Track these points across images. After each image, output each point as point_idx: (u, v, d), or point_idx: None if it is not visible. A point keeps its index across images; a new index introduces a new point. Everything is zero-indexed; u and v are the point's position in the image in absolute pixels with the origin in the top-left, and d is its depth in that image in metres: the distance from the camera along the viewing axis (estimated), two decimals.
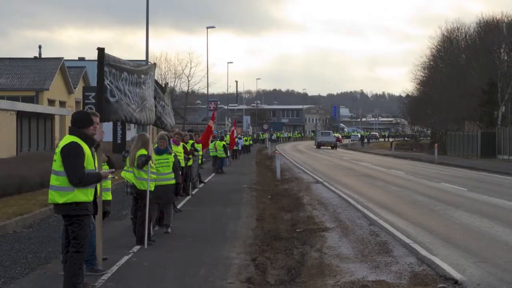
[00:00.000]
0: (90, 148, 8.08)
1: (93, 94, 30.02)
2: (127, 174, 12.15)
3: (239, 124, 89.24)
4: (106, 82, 9.55)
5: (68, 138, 8.03)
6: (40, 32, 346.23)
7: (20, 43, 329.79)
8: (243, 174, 32.18)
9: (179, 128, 40.30)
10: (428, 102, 70.64)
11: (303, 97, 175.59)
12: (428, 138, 78.53)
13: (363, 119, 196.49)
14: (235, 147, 45.48)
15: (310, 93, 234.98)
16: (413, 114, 78.27)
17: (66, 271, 7.95)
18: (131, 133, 48.79)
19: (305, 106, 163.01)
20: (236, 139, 45.73)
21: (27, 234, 13.08)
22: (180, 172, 14.33)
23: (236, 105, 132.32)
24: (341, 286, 9.06)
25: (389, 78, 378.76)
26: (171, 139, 15.15)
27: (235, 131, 45.51)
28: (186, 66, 67.02)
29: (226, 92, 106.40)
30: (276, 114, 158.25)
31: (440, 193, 21.74)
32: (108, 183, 10.63)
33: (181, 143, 16.42)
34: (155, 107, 11.79)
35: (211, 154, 33.02)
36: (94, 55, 10.24)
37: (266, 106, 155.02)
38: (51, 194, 7.94)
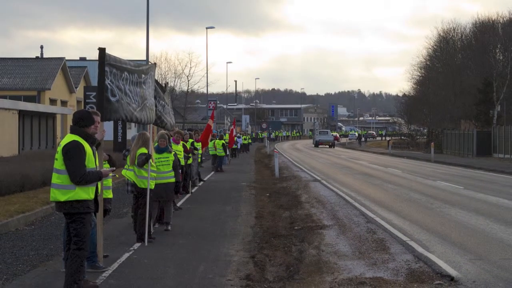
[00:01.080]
0: (91, 147, 8.15)
1: (94, 93, 30.21)
2: (128, 173, 12.27)
3: (238, 123, 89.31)
4: (107, 82, 9.65)
5: (70, 137, 8.09)
6: (42, 32, 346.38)
7: (22, 43, 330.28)
8: (242, 172, 32.27)
9: (179, 127, 40.30)
10: (424, 102, 70.74)
11: (301, 97, 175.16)
12: (425, 137, 78.48)
13: (361, 118, 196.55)
14: (234, 146, 45.58)
15: (308, 92, 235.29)
16: (410, 113, 78.29)
17: (68, 268, 8.01)
18: (132, 132, 48.96)
19: (303, 106, 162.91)
20: (235, 138, 45.84)
21: (29, 232, 13.16)
22: (180, 171, 14.43)
23: (235, 104, 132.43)
24: (339, 283, 9.13)
25: (386, 77, 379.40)
26: (171, 138, 15.25)
27: (234, 130, 45.62)
28: (186, 66, 67.18)
29: (225, 92, 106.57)
30: (275, 113, 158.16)
31: (437, 191, 21.83)
32: (109, 181, 10.74)
33: (181, 142, 16.51)
34: (155, 106, 11.89)
35: (211, 152, 33.12)
36: (95, 55, 10.41)
37: (264, 106, 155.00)
38: (52, 192, 8.01)
